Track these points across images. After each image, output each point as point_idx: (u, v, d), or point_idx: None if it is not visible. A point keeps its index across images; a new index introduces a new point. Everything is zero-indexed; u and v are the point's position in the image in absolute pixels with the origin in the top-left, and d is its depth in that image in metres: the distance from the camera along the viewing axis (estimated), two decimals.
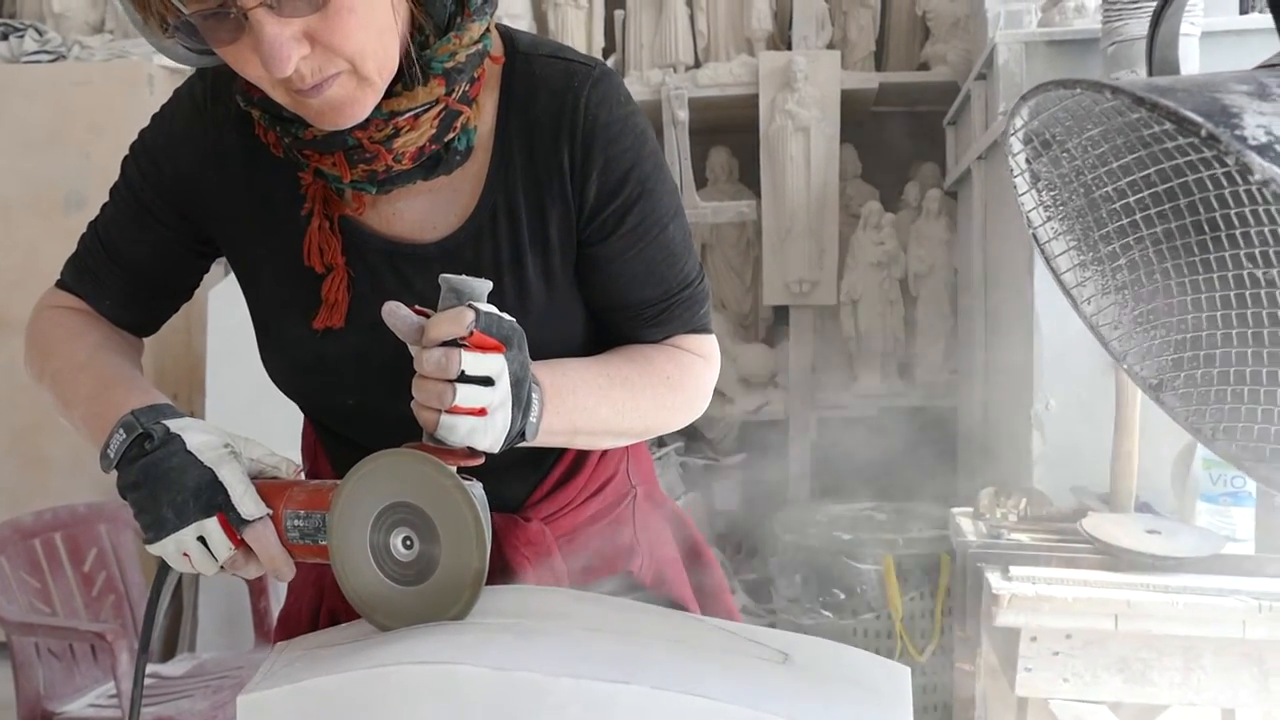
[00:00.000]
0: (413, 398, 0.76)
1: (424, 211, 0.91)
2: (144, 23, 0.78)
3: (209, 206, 0.94)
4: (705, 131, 3.71)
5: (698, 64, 3.69)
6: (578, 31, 3.72)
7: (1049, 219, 0.72)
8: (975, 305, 3.13)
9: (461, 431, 0.75)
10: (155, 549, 0.81)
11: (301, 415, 1.04)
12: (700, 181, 3.76)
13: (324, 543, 0.80)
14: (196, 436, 0.80)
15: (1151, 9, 0.67)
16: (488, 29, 0.86)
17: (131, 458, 0.80)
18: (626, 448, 1.05)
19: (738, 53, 3.65)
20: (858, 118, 3.70)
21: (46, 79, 3.22)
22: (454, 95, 0.84)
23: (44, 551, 2.48)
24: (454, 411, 0.74)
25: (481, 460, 0.78)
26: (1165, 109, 0.51)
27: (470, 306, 0.75)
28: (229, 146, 0.91)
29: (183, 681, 2.52)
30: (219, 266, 1.05)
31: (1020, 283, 2.49)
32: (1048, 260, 0.73)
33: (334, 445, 1.02)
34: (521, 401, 0.78)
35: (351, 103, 0.79)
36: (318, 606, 1.02)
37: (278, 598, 2.51)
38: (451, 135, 0.86)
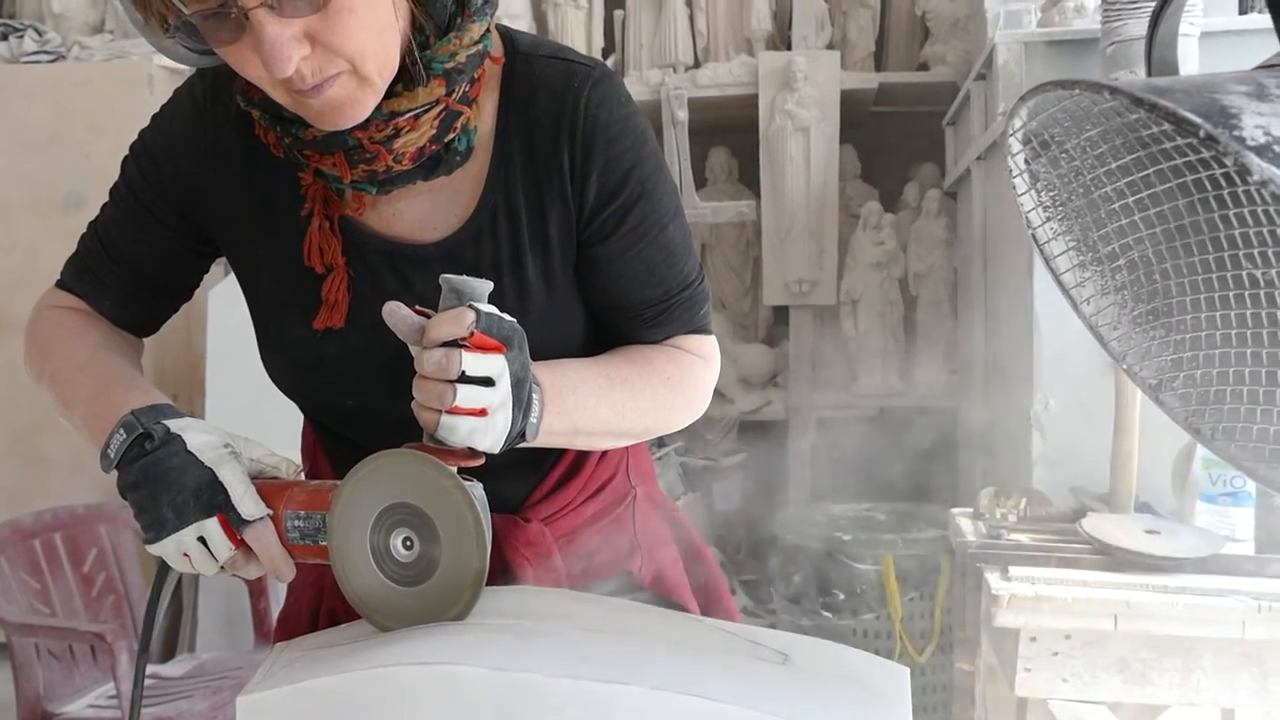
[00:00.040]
0: (413, 398, 0.76)
1: (424, 212, 0.91)
2: (145, 23, 0.78)
3: (209, 206, 0.94)
4: (705, 132, 3.71)
5: (697, 64, 3.69)
6: (577, 32, 3.72)
7: (1048, 219, 0.72)
8: (975, 305, 3.13)
9: (462, 432, 0.75)
10: (155, 549, 0.81)
11: (301, 415, 1.04)
12: (700, 182, 3.76)
13: (324, 543, 0.80)
14: (197, 436, 0.80)
15: (1150, 9, 0.68)
16: (488, 29, 0.86)
17: (132, 458, 0.80)
18: (626, 448, 1.05)
19: (737, 53, 3.65)
20: (857, 118, 3.70)
21: (46, 79, 3.22)
22: (454, 96, 0.84)
23: (44, 552, 2.48)
24: (454, 412, 0.74)
25: (482, 461, 0.78)
26: (1164, 109, 0.51)
27: (471, 307, 0.75)
28: (229, 146, 0.91)
29: (182, 682, 2.52)
30: (219, 266, 1.05)
31: (1020, 283, 2.49)
32: (1047, 260, 0.73)
33: (334, 446, 1.02)
34: (522, 402, 0.78)
35: (352, 103, 0.79)
36: (317, 607, 1.02)
37: (277, 598, 2.51)
38: (452, 136, 0.86)
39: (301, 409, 1.02)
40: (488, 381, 0.75)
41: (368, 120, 0.81)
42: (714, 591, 1.10)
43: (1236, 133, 0.49)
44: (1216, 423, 0.69)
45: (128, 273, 0.97)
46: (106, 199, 0.98)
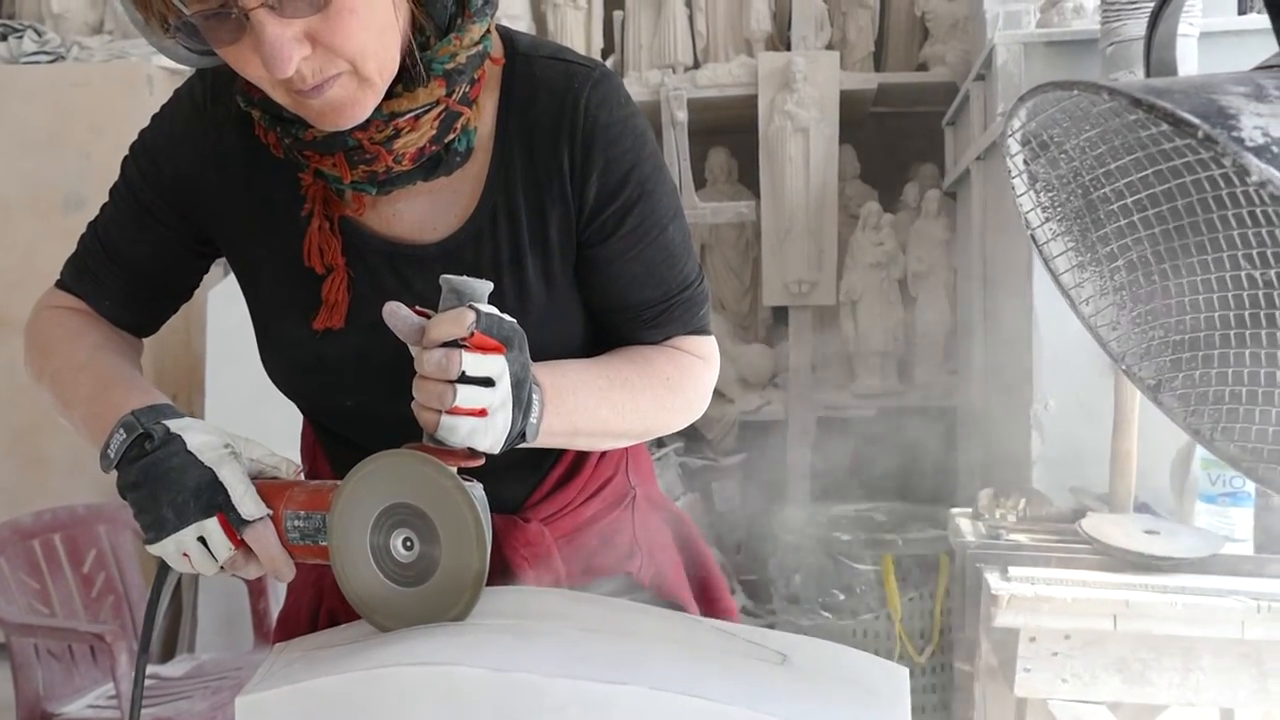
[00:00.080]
0: (413, 398, 0.76)
1: (424, 212, 0.91)
2: (145, 23, 0.78)
3: (209, 207, 0.94)
4: (704, 132, 3.71)
5: (697, 65, 3.69)
6: (576, 32, 3.72)
7: (1047, 220, 0.72)
8: (974, 306, 3.13)
9: (462, 432, 0.75)
10: (155, 549, 0.81)
11: (301, 416, 1.04)
12: (699, 182, 3.76)
13: (324, 543, 0.80)
14: (197, 436, 0.80)
15: (1149, 10, 0.68)
16: (488, 30, 0.87)
17: (132, 458, 0.80)
18: (626, 449, 1.05)
19: (737, 53, 3.65)
20: (857, 118, 3.70)
21: (45, 80, 3.22)
22: (454, 96, 0.84)
23: (43, 552, 2.48)
24: (454, 412, 0.74)
25: (482, 461, 0.78)
26: (1162, 110, 0.51)
27: (471, 307, 0.75)
28: (229, 147, 0.91)
29: (182, 682, 2.52)
30: (219, 266, 1.05)
31: (1019, 283, 2.49)
32: (1046, 261, 0.74)
33: (333, 446, 1.02)
34: (522, 403, 0.78)
35: (352, 103, 0.79)
36: (317, 607, 1.02)
37: (277, 599, 2.51)
38: (452, 136, 0.86)
39: (301, 409, 1.02)
40: (488, 382, 0.75)
41: (368, 121, 0.81)
42: (713, 592, 1.10)
43: (1235, 133, 0.49)
44: (1215, 423, 0.69)
45: (127, 273, 0.97)
46: (106, 199, 0.98)
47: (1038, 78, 2.48)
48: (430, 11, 0.83)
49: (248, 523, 0.80)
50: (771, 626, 2.66)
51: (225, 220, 0.94)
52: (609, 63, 3.63)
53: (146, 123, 0.96)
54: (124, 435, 0.80)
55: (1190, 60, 2.11)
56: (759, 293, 3.76)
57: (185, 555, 0.80)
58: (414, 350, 0.76)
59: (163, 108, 0.96)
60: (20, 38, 3.36)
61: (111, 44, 3.46)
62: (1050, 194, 0.71)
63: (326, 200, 0.89)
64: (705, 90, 3.57)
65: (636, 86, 3.56)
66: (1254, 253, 0.65)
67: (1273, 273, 0.65)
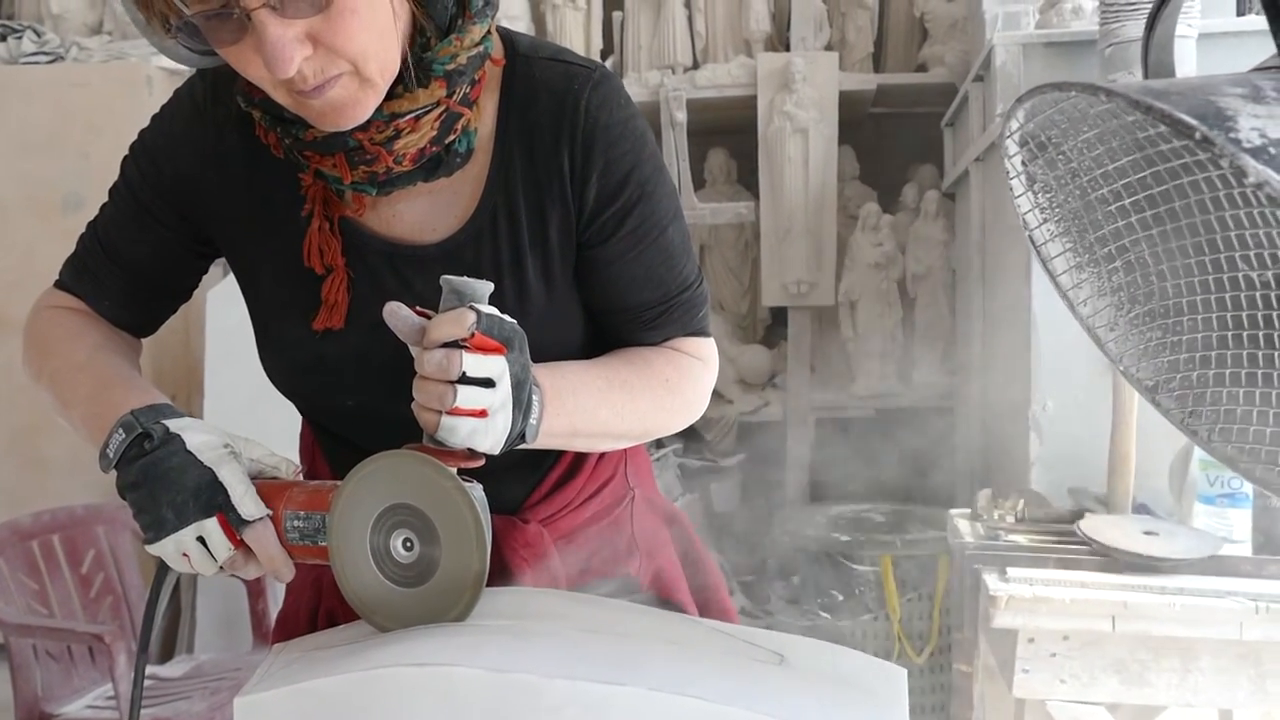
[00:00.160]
0: (413, 399, 0.76)
1: (424, 213, 0.91)
2: (146, 23, 0.78)
3: (209, 207, 0.94)
4: (703, 133, 3.72)
5: (696, 65, 3.69)
6: (576, 33, 3.72)
7: (1045, 221, 0.72)
8: (973, 307, 3.14)
9: (462, 433, 0.75)
10: (154, 549, 0.81)
11: (300, 416, 1.04)
12: (698, 183, 3.77)
13: (324, 544, 0.80)
14: (196, 436, 0.80)
15: (1148, 11, 0.68)
16: (489, 31, 0.87)
17: (131, 458, 0.80)
18: (624, 450, 1.05)
19: (736, 54, 3.65)
20: (856, 119, 3.70)
21: (45, 80, 3.22)
22: (455, 97, 0.84)
23: (42, 553, 2.48)
24: (455, 413, 0.74)
25: (482, 462, 0.78)
26: (1160, 112, 0.51)
27: (472, 308, 0.75)
28: (229, 147, 0.91)
29: (181, 683, 2.52)
30: (218, 267, 1.05)
31: (1018, 284, 2.49)
32: (1044, 262, 0.74)
33: (333, 447, 1.02)
34: (522, 403, 0.78)
35: (353, 104, 0.79)
36: (316, 607, 1.02)
37: (276, 599, 2.51)
38: (452, 137, 0.86)
39: (300, 410, 1.02)
40: (488, 383, 0.75)
41: (368, 121, 0.81)
42: (712, 592, 1.10)
43: (1232, 135, 0.50)
44: (1213, 424, 0.69)
45: (127, 273, 0.97)
46: (105, 199, 0.98)
47: (1036, 79, 2.48)
48: (431, 12, 0.83)
49: (247, 523, 0.80)
50: (770, 627, 2.66)
51: (225, 220, 0.94)
52: (608, 63, 3.63)
53: (146, 123, 0.96)
54: (123, 435, 0.80)
55: (1188, 62, 2.12)
56: (758, 293, 3.76)
57: (185, 555, 0.80)
58: (414, 351, 0.76)
59: (163, 108, 0.96)
60: (20, 38, 3.36)
61: (111, 44, 3.46)
62: (1048, 195, 0.71)
63: (326, 201, 0.89)
64: (704, 91, 3.57)
65: (636, 87, 3.56)
66: (1251, 254, 0.65)
67: (1270, 274, 0.65)
